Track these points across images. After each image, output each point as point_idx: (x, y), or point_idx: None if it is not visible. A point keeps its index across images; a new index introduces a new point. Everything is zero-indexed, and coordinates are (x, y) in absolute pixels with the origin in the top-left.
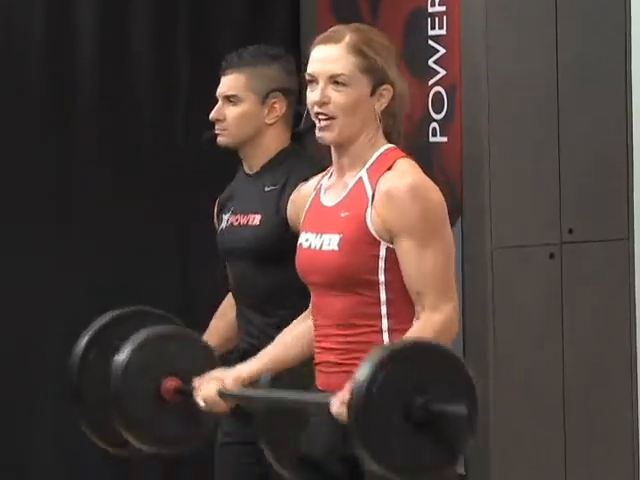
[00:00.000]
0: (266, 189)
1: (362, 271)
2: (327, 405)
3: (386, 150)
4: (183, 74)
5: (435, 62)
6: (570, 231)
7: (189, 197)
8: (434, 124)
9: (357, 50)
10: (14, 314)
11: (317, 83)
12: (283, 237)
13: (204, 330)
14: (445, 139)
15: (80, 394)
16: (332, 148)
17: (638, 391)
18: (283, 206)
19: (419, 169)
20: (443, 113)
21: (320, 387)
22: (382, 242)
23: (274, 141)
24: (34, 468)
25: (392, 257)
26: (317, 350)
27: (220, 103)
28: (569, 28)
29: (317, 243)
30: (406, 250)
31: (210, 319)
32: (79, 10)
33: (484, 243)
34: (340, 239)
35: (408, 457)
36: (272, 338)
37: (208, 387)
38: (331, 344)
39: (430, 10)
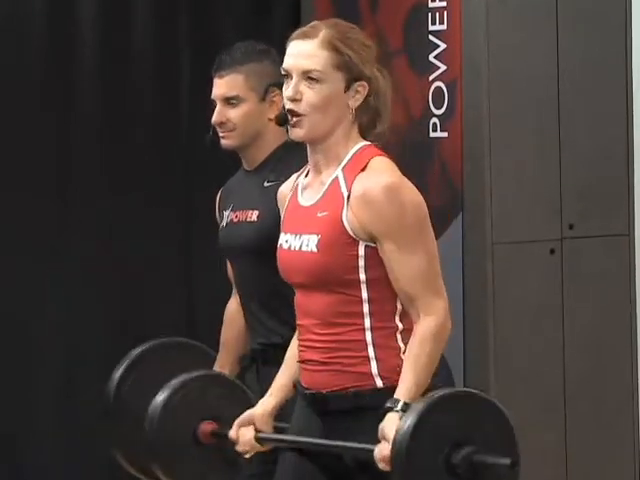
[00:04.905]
0: (266, 184)
1: (342, 271)
2: (368, 452)
3: (361, 148)
4: (184, 72)
5: (435, 57)
6: (571, 227)
7: (190, 183)
8: (434, 119)
9: (331, 46)
10: (10, 303)
11: (291, 78)
12: (277, 236)
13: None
14: (445, 134)
15: (114, 418)
16: (307, 145)
17: (639, 381)
18: None
19: (395, 167)
20: (444, 108)
21: (304, 385)
22: (360, 241)
23: (274, 136)
24: (30, 466)
25: (372, 255)
26: (301, 348)
27: (220, 106)
28: (570, 23)
29: (296, 244)
30: (389, 253)
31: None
32: (80, 5)
33: (485, 238)
34: (318, 240)
35: None
36: (281, 336)
37: (245, 436)
38: (315, 343)
39: (430, 5)
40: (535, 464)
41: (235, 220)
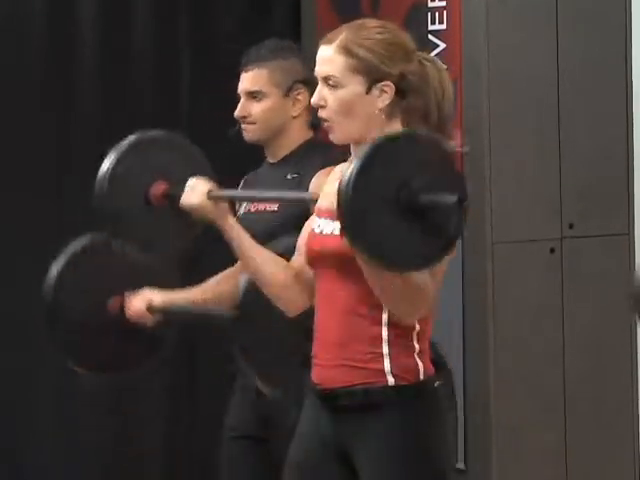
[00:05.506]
0: (288, 177)
1: None
2: (309, 201)
3: None
4: (184, 72)
5: (435, 57)
6: (571, 226)
7: None
8: None
9: (346, 50)
10: (10, 303)
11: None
12: (299, 225)
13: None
14: None
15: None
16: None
17: (639, 381)
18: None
19: None
20: None
21: (315, 381)
22: None
23: (298, 132)
24: (32, 467)
25: None
26: (315, 342)
27: (243, 100)
28: (570, 23)
29: (329, 229)
30: None
31: None
32: (80, 5)
33: (485, 238)
34: None
35: (401, 247)
36: None
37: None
38: (332, 337)
39: (430, 5)
40: (535, 464)
41: (253, 210)
